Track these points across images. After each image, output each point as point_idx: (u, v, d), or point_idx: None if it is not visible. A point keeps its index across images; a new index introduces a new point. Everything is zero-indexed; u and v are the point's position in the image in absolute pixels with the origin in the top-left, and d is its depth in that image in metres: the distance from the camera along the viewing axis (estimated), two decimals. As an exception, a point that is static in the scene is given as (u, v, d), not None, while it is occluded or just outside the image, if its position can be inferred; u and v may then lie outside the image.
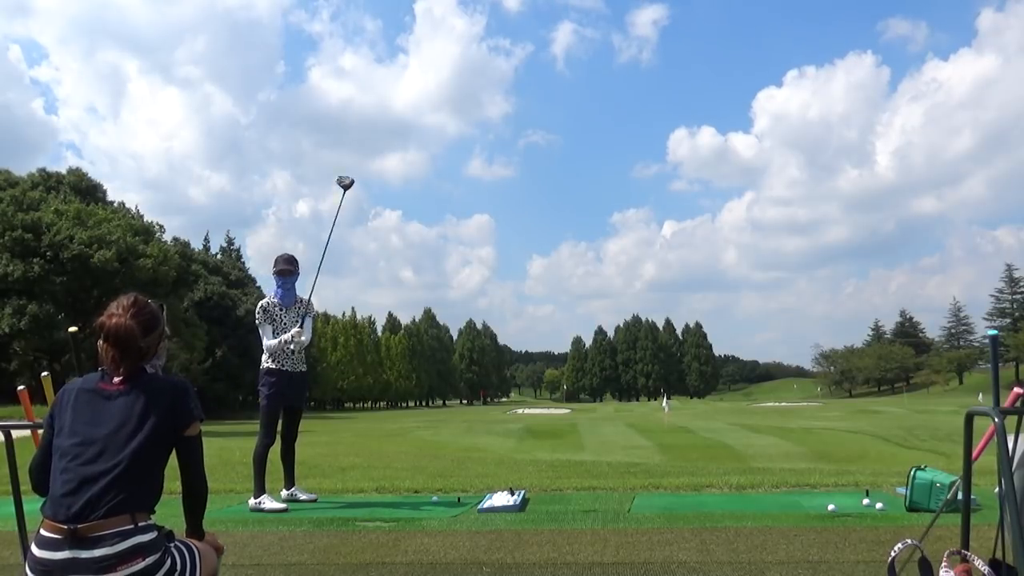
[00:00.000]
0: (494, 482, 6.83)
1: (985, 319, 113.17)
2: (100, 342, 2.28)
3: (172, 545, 2.21)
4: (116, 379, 2.25)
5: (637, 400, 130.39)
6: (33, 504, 3.29)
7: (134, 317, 2.28)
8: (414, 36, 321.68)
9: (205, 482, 2.37)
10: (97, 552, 2.04)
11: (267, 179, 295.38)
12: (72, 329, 4.07)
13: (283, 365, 5.66)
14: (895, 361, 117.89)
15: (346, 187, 6.12)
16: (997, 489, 2.71)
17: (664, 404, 41.29)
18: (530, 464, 10.47)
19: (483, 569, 3.68)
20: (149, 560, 2.10)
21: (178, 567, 2.19)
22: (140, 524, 2.12)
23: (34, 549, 2.09)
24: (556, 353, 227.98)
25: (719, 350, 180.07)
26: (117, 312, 2.28)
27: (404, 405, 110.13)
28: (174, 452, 2.30)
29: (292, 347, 5.65)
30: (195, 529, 2.39)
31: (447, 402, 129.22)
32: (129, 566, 2.05)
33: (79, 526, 2.05)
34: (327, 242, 6.28)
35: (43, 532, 2.10)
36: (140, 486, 2.15)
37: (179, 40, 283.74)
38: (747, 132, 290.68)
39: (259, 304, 5.78)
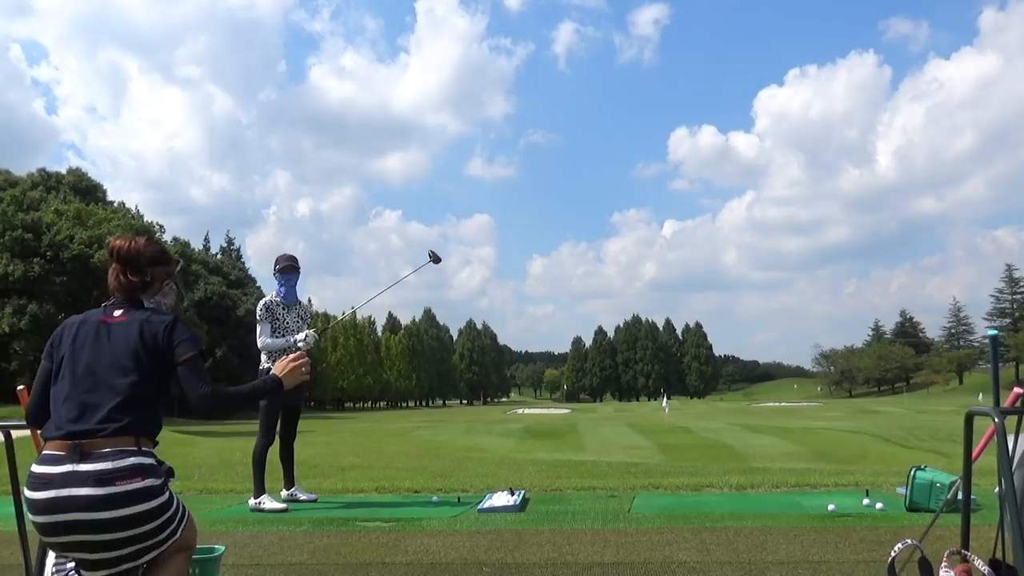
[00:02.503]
0: (494, 482, 6.84)
1: (985, 319, 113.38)
2: (110, 268, 2.39)
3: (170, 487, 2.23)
4: (117, 312, 2.31)
5: (637, 400, 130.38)
6: (33, 504, 3.29)
7: (145, 245, 2.40)
8: (415, 36, 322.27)
9: (210, 394, 2.26)
10: (98, 465, 2.06)
11: (268, 179, 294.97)
12: None
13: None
14: (895, 361, 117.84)
15: (435, 261, 6.21)
16: (997, 489, 2.71)
17: (664, 404, 41.23)
18: (530, 464, 10.48)
19: (483, 569, 3.68)
20: (148, 482, 2.11)
21: (174, 505, 2.20)
22: (143, 448, 2.15)
23: (34, 467, 2.11)
24: (556, 353, 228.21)
25: (719, 350, 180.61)
26: (130, 237, 2.41)
27: (404, 405, 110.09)
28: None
29: (301, 346, 5.64)
30: (263, 386, 2.41)
31: (447, 402, 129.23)
32: (128, 483, 2.06)
33: (83, 441, 2.08)
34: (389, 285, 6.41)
35: (45, 451, 2.12)
36: (142, 414, 2.18)
37: (180, 40, 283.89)
38: (748, 131, 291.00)
39: (262, 301, 5.74)
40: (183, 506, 2.26)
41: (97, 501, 2.02)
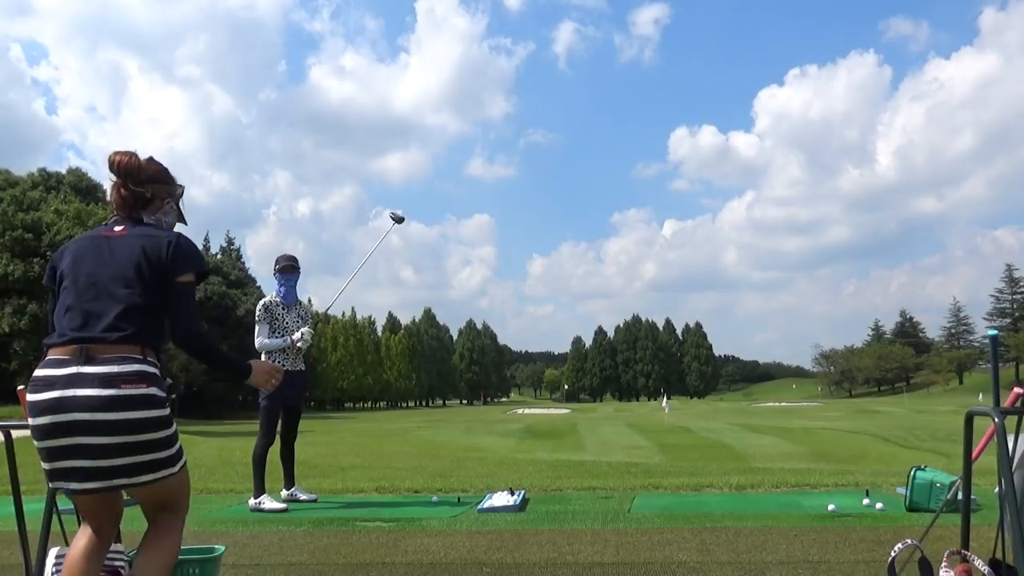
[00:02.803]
0: (494, 482, 6.83)
1: (985, 319, 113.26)
2: (111, 185, 2.40)
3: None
4: (117, 227, 2.32)
5: (637, 400, 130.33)
6: (33, 504, 3.29)
7: (146, 162, 2.42)
8: (415, 35, 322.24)
9: (199, 334, 2.25)
10: (104, 368, 2.06)
11: (268, 179, 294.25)
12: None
13: (283, 365, 5.65)
14: (895, 361, 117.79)
15: (398, 222, 5.93)
16: (997, 489, 2.71)
17: (663, 404, 41.17)
18: (530, 464, 10.48)
19: (483, 569, 3.68)
20: (153, 390, 2.10)
21: (175, 427, 2.18)
22: (148, 358, 2.15)
23: (37, 371, 2.12)
24: (556, 353, 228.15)
25: (719, 350, 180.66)
26: (132, 153, 2.41)
27: (404, 405, 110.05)
28: None
29: (300, 345, 5.65)
30: (236, 363, 2.40)
31: (447, 402, 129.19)
32: (133, 388, 2.06)
33: (89, 345, 2.09)
34: (360, 265, 6.15)
35: (49, 356, 2.13)
36: (146, 325, 2.17)
37: (180, 39, 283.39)
38: (748, 131, 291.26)
39: (261, 302, 5.74)
40: (182, 446, 2.25)
41: (101, 402, 2.03)
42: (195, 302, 2.29)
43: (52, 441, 2.05)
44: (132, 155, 2.39)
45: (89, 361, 2.06)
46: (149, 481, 2.13)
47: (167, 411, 2.16)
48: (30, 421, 2.08)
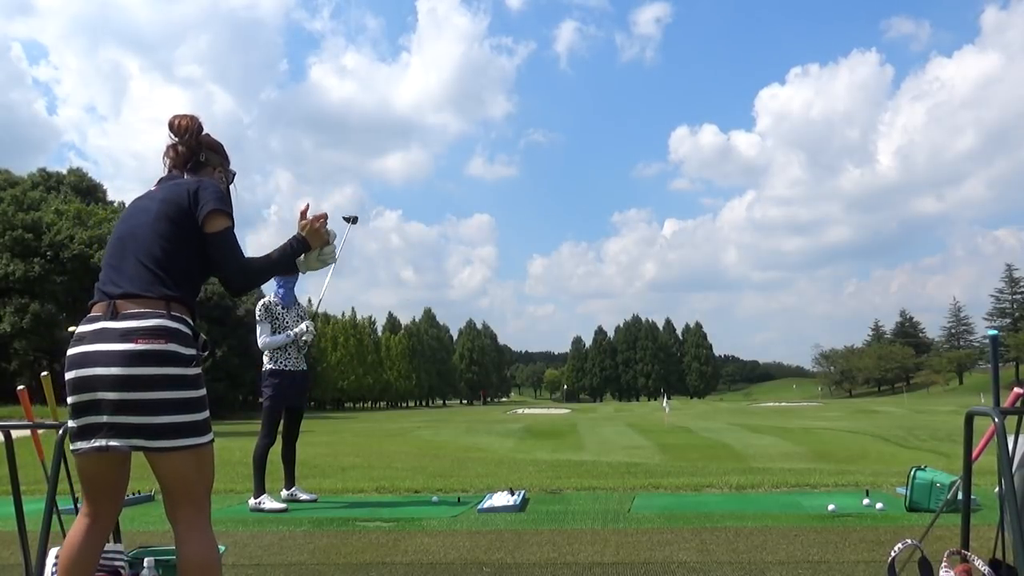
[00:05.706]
0: (494, 482, 6.83)
1: (985, 319, 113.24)
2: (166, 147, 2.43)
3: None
4: (155, 186, 2.36)
5: (637, 400, 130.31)
6: (33, 504, 3.29)
7: (206, 133, 2.46)
8: (416, 35, 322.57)
9: (245, 269, 2.25)
10: (125, 323, 2.07)
11: (269, 179, 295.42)
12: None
13: (285, 365, 5.66)
14: (895, 361, 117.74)
15: (352, 222, 5.83)
16: (997, 489, 2.71)
17: (664, 404, 41.16)
18: (530, 464, 10.47)
19: (483, 569, 3.68)
20: (172, 346, 2.08)
21: (200, 391, 2.13)
22: (174, 314, 2.14)
23: (76, 328, 2.16)
24: (556, 353, 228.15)
25: (719, 350, 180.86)
26: (193, 116, 2.45)
27: (404, 405, 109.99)
28: None
29: (305, 339, 5.66)
30: (290, 247, 2.41)
31: (447, 402, 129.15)
32: (150, 343, 2.05)
33: (117, 301, 2.11)
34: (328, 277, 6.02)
35: (88, 315, 2.16)
36: (173, 280, 2.17)
37: (181, 39, 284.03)
38: (749, 131, 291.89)
39: (261, 302, 5.74)
40: (210, 423, 2.17)
41: (117, 356, 2.03)
42: (236, 246, 2.25)
43: (77, 396, 2.07)
44: (193, 118, 2.43)
45: (114, 316, 2.09)
46: (169, 448, 2.05)
47: (191, 371, 2.11)
48: (66, 377, 2.12)
